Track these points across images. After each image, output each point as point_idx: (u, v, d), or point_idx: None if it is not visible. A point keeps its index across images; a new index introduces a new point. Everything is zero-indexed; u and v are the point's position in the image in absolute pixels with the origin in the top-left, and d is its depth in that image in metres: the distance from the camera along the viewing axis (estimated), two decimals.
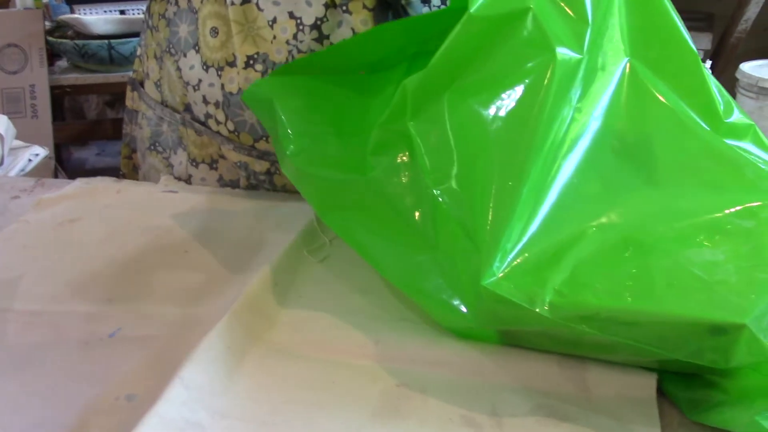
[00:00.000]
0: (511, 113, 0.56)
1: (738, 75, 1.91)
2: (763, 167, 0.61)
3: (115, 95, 2.56)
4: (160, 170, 0.94)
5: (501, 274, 0.53)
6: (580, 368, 0.56)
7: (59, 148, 2.43)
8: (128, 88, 1.01)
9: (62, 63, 2.36)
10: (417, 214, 0.59)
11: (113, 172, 1.06)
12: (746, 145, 0.63)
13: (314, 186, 0.67)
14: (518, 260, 0.54)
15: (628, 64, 0.62)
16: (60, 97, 2.37)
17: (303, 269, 0.70)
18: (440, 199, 0.57)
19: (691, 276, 0.52)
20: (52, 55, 2.32)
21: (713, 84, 0.63)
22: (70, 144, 2.68)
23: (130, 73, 1.02)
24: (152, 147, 0.94)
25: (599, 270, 0.53)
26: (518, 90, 0.56)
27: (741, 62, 1.90)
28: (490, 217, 0.54)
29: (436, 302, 0.58)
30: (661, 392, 0.54)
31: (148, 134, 0.94)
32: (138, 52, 0.99)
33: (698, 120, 0.62)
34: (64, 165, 2.48)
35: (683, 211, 0.58)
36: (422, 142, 0.58)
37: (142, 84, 0.97)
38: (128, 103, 1.01)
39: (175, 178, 0.92)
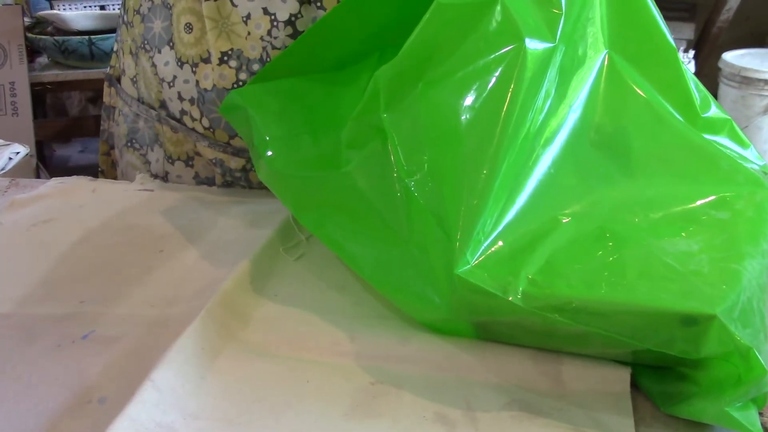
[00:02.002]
0: (483, 103, 0.55)
1: (720, 64, 1.92)
2: (738, 160, 0.62)
3: (98, 91, 2.54)
4: (138, 167, 0.93)
5: (474, 263, 0.53)
6: (554, 363, 0.56)
7: (41, 145, 2.41)
8: (105, 84, 1.00)
9: (42, 59, 2.34)
10: (390, 206, 0.59)
11: (97, 169, 1.05)
12: (722, 139, 0.63)
13: (289, 186, 0.67)
14: (492, 249, 0.54)
15: (606, 57, 0.62)
16: (41, 94, 2.35)
17: (279, 267, 0.70)
18: (413, 190, 0.56)
19: (664, 266, 0.52)
20: (32, 51, 2.29)
21: (690, 79, 0.63)
22: (52, 141, 2.67)
23: (108, 69, 1.01)
24: (129, 144, 0.93)
25: (573, 260, 0.54)
26: (489, 80, 0.55)
27: (723, 52, 1.90)
28: (463, 207, 0.54)
29: (410, 296, 0.58)
30: (634, 386, 0.55)
31: (125, 131, 0.94)
32: (114, 48, 0.98)
33: (675, 113, 0.62)
34: (47, 163, 2.46)
35: (658, 201, 0.58)
36: (396, 134, 0.58)
37: (119, 80, 0.96)
38: (106, 99, 1.00)
39: (152, 175, 0.91)
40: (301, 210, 0.66)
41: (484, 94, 0.55)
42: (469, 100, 0.56)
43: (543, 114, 0.58)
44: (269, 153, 0.67)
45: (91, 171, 0.95)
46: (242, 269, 0.66)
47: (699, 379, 0.51)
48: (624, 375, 0.54)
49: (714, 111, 0.63)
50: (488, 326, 0.57)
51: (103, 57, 2.15)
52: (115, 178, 1.02)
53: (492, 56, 0.55)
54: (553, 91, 0.58)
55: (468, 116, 0.56)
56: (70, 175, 0.90)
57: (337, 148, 0.63)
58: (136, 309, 0.64)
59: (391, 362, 0.57)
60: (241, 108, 0.71)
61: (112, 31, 2.19)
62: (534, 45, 0.55)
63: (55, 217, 0.79)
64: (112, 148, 1.01)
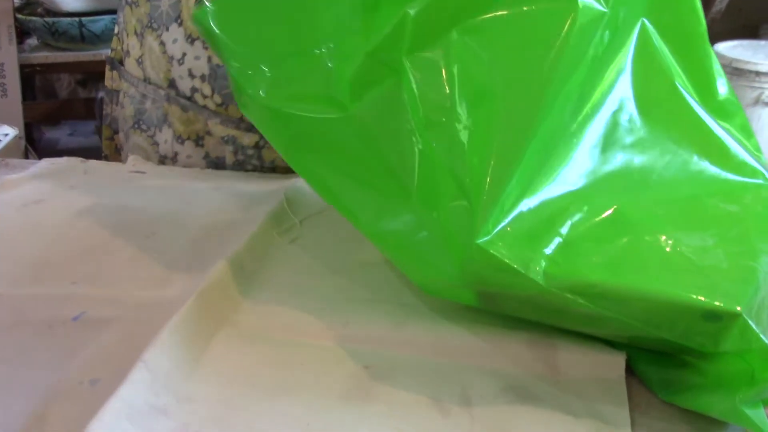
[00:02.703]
0: (525, 60, 0.52)
1: None
2: (746, 153, 0.61)
3: (88, 74, 2.51)
4: (145, 149, 0.92)
5: (496, 234, 0.50)
6: (550, 349, 0.56)
7: (30, 127, 2.38)
8: (107, 67, 0.99)
9: (32, 41, 2.31)
10: (400, 158, 0.55)
11: (86, 152, 1.04)
12: (733, 128, 0.62)
13: (280, 125, 0.60)
14: (516, 222, 0.51)
15: (641, 26, 0.59)
16: (30, 75, 2.32)
17: (272, 251, 0.69)
18: (432, 145, 0.53)
19: (683, 259, 0.51)
20: (22, 32, 2.26)
21: (714, 60, 0.62)
22: (41, 123, 2.64)
23: (108, 53, 0.99)
24: (136, 126, 0.92)
25: (593, 242, 0.52)
26: (534, 36, 0.52)
27: (715, 43, 1.90)
28: (490, 172, 0.50)
29: (414, 256, 0.55)
30: (630, 372, 0.54)
31: (131, 113, 0.92)
32: (116, 30, 0.97)
33: (695, 95, 0.60)
34: (36, 145, 2.44)
35: (672, 187, 0.57)
36: (417, 80, 0.53)
37: (121, 62, 0.95)
38: (108, 83, 0.99)
39: (161, 156, 0.90)
40: (293, 153, 0.61)
41: (528, 50, 0.52)
42: (509, 57, 0.52)
43: (586, 80, 0.54)
44: (252, 85, 0.60)
45: (81, 154, 0.93)
46: (235, 253, 0.66)
47: (705, 370, 0.51)
48: (619, 361, 0.54)
49: (730, 95, 0.61)
50: (495, 298, 0.55)
51: (93, 39, 2.13)
52: (118, 162, 1.01)
53: (542, 10, 0.51)
54: (600, 56, 0.55)
55: (506, 73, 0.52)
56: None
57: (338, 82, 0.57)
58: (128, 291, 0.63)
59: (386, 346, 0.57)
60: (213, 33, 0.63)
61: (103, 12, 2.17)
62: (587, 4, 0.51)
63: (46, 197, 0.78)
64: (116, 132, 1.00)
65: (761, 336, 0.47)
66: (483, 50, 0.52)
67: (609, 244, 0.52)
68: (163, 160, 0.89)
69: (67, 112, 2.44)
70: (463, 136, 0.52)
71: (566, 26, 0.50)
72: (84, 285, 0.64)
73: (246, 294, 0.63)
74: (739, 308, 0.46)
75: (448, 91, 0.53)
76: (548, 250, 0.51)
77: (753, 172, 0.60)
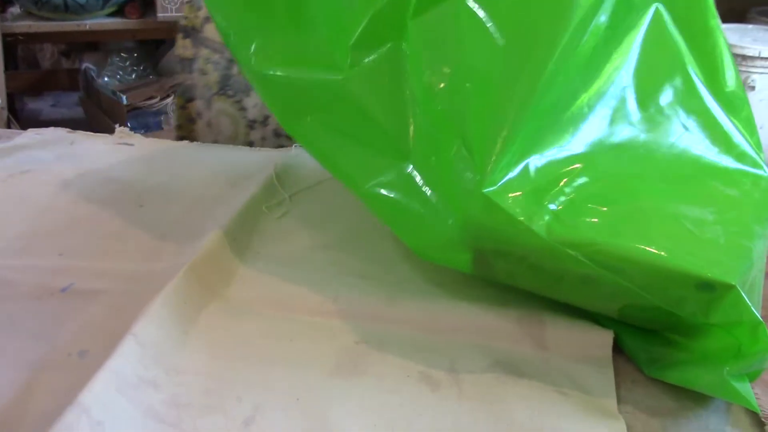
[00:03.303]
0: (532, 21, 0.52)
1: None
2: (748, 146, 0.61)
3: (71, 45, 2.48)
4: (232, 114, 0.92)
5: (502, 186, 0.50)
6: (538, 326, 0.56)
7: (12, 98, 2.35)
8: (179, 36, 0.97)
9: (15, 9, 2.27)
10: (400, 118, 0.55)
11: (69, 123, 1.03)
12: (738, 121, 0.62)
13: (279, 89, 0.60)
14: (523, 177, 0.51)
15: (655, 11, 0.60)
16: (12, 45, 2.29)
17: (262, 225, 0.69)
18: (434, 102, 0.53)
19: (684, 229, 0.52)
20: (4, 1, 2.23)
21: (725, 49, 0.62)
22: (23, 94, 2.60)
23: (182, 21, 0.97)
24: (221, 92, 0.92)
25: (599, 205, 0.52)
26: None
27: None
28: (496, 127, 0.51)
29: (411, 218, 0.55)
30: (617, 350, 0.55)
31: (216, 79, 0.92)
32: None
33: (704, 83, 0.60)
34: (18, 116, 2.40)
35: (677, 163, 0.58)
36: (423, 41, 0.54)
37: (197, 30, 0.94)
38: (180, 51, 0.97)
39: (250, 121, 0.90)
40: (291, 117, 0.60)
41: (536, 10, 0.52)
42: (516, 15, 0.52)
43: (596, 52, 0.54)
44: (250, 48, 0.60)
45: (64, 125, 0.92)
46: (225, 226, 0.65)
47: (690, 347, 0.52)
48: (606, 339, 0.55)
49: (737, 89, 0.62)
50: (490, 261, 0.55)
51: (77, 9, 2.09)
52: (191, 132, 0.99)
53: None
54: (612, 28, 0.55)
55: (514, 33, 0.52)
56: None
57: (335, 44, 0.57)
58: (117, 263, 0.63)
59: (376, 322, 0.57)
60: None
61: None
62: None
63: (32, 168, 0.78)
64: (189, 100, 0.99)
65: (752, 308, 0.47)
66: (491, 11, 0.52)
67: (612, 207, 0.52)
68: (251, 125, 0.89)
69: (50, 82, 2.41)
70: (468, 91, 0.52)
71: None
72: (72, 256, 0.64)
73: (236, 268, 0.63)
74: (733, 281, 0.47)
75: (450, 49, 0.53)
76: (552, 207, 0.51)
77: (754, 163, 0.60)
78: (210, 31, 0.91)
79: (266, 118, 0.88)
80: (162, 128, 1.99)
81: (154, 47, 2.32)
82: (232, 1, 0.62)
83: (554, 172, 0.53)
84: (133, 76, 2.19)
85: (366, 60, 0.55)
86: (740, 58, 1.84)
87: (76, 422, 0.44)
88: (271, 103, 0.61)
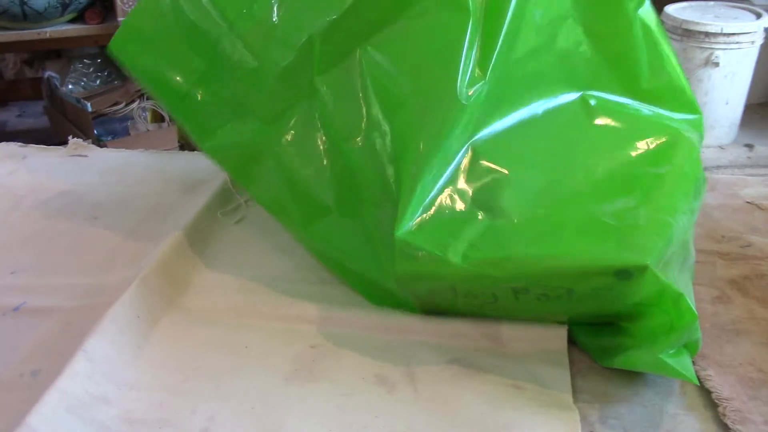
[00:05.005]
0: (429, 68, 0.55)
1: (663, 17, 1.92)
2: (676, 123, 0.62)
3: (34, 53, 2.44)
4: None
5: (416, 225, 0.52)
6: (494, 325, 0.56)
7: None
8: None
9: None
10: (320, 176, 0.58)
11: (35, 133, 1.02)
12: (662, 109, 0.63)
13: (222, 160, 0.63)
14: (436, 213, 0.53)
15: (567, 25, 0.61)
16: None
17: (217, 232, 0.69)
18: (350, 157, 0.56)
19: (602, 225, 0.53)
20: None
21: (643, 48, 0.62)
22: None
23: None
24: None
25: (515, 215, 0.54)
26: (435, 44, 0.55)
27: (666, 5, 1.91)
28: (407, 171, 0.53)
29: (352, 272, 0.58)
30: (571, 341, 0.55)
31: None
32: None
33: (617, 85, 0.62)
34: None
35: (601, 161, 0.58)
36: (331, 99, 0.57)
37: None
38: None
39: None
40: (239, 180, 0.63)
41: (431, 58, 0.55)
42: (415, 64, 0.55)
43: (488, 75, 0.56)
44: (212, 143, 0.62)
45: (31, 135, 0.92)
46: (180, 234, 0.65)
47: (634, 332, 0.52)
48: (561, 332, 0.55)
49: (660, 82, 0.63)
50: (429, 299, 0.57)
51: (36, 17, 2.06)
52: (194, 148, 0.97)
53: (439, 16, 0.55)
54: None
55: (415, 80, 0.55)
56: (8, 140, 0.87)
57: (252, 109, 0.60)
58: (70, 278, 0.62)
59: (332, 325, 0.57)
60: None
61: None
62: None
63: None
64: None
65: (669, 282, 0.48)
66: (391, 62, 0.56)
67: (530, 217, 0.53)
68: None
69: (14, 93, 2.38)
70: (380, 144, 0.55)
71: (466, 32, 0.54)
72: (25, 274, 0.63)
73: (191, 276, 0.62)
74: (647, 260, 0.48)
75: (361, 104, 0.56)
76: (468, 235, 0.52)
77: (673, 131, 0.61)
78: None
79: None
80: (129, 134, 1.96)
81: None
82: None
83: (469, 200, 0.55)
84: (98, 82, 2.17)
85: (281, 121, 0.59)
86: (703, 35, 1.85)
87: None
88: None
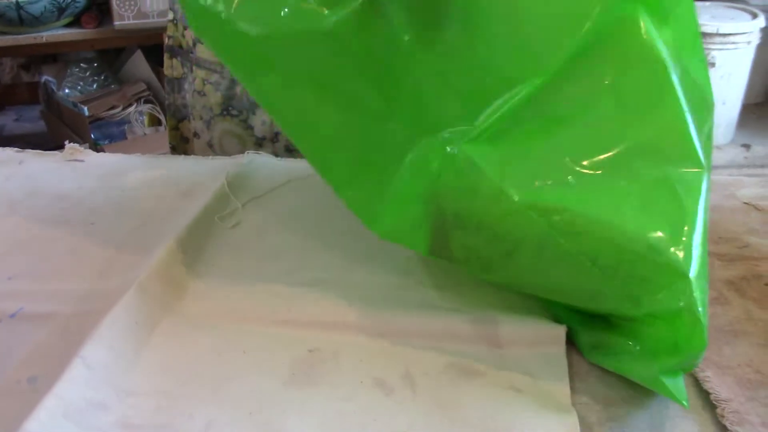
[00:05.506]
0: None
1: None
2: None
3: (31, 57, 2.45)
4: (239, 134, 0.90)
5: (484, 141, 0.51)
6: (492, 325, 0.56)
7: None
8: (166, 56, 0.95)
9: None
10: (388, 76, 0.54)
11: (32, 137, 1.02)
12: None
13: (245, 46, 0.55)
14: (503, 142, 0.51)
15: None
16: None
17: (214, 236, 0.68)
18: (419, 57, 0.53)
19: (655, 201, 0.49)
20: None
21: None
22: None
23: (166, 41, 0.95)
24: (225, 112, 0.90)
25: (570, 181, 0.50)
26: None
27: None
28: (488, 87, 0.51)
29: (385, 172, 0.55)
30: (570, 343, 0.55)
31: (219, 100, 0.90)
32: (170, 16, 0.93)
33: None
34: None
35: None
36: None
37: (181, 47, 0.92)
38: (167, 72, 0.96)
39: (258, 138, 0.88)
40: (255, 76, 0.57)
41: None
42: None
43: None
44: (221, 13, 0.54)
45: (28, 140, 0.92)
46: (177, 239, 0.65)
47: (634, 334, 0.51)
48: (559, 334, 0.55)
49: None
50: (447, 232, 0.54)
51: (32, 22, 2.07)
52: (186, 152, 0.97)
53: None
54: None
55: None
56: (5, 145, 0.87)
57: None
58: (68, 284, 0.62)
59: (330, 330, 0.57)
60: None
61: None
62: None
63: None
64: (181, 120, 0.97)
65: (698, 305, 0.47)
66: None
67: (585, 182, 0.50)
68: (260, 143, 0.88)
69: (10, 97, 2.38)
70: (463, 57, 0.52)
71: None
72: (22, 279, 0.63)
73: (189, 281, 0.62)
74: (688, 272, 0.46)
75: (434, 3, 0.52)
76: (525, 174, 0.50)
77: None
78: (203, 51, 0.89)
79: (276, 134, 0.87)
80: (126, 138, 1.97)
81: (113, 55, 2.30)
82: None
83: (530, 138, 0.52)
84: (94, 86, 2.17)
85: (340, 15, 0.52)
86: None
87: None
88: (236, 62, 0.57)
